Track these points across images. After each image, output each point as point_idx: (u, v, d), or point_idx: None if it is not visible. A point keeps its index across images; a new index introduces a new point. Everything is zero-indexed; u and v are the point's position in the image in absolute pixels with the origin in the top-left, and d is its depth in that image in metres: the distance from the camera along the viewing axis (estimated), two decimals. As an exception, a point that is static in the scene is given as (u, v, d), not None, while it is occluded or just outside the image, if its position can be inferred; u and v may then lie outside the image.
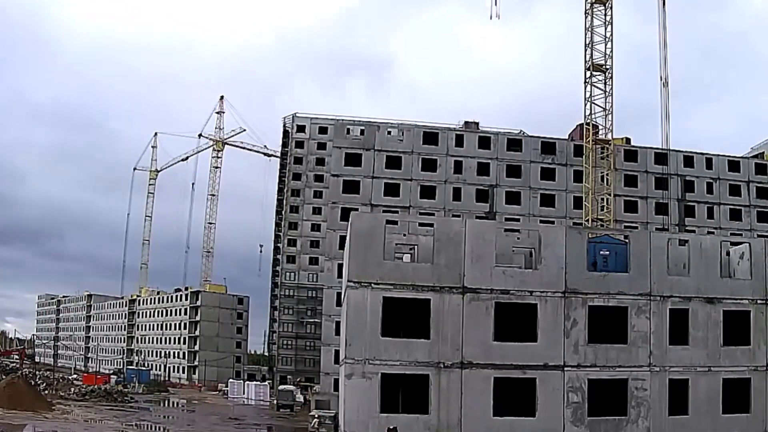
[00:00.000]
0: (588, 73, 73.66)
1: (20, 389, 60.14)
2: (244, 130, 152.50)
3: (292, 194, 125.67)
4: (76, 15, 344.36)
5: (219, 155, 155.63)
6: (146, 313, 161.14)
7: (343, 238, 48.29)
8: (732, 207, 79.75)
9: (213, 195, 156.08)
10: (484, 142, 76.62)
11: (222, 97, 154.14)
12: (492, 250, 31.70)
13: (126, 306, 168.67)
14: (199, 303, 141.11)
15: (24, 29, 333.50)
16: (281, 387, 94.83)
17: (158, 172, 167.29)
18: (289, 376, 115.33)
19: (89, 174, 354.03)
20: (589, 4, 73.99)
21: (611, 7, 73.92)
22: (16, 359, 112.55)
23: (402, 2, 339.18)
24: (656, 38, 77.82)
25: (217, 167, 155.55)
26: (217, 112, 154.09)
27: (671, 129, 77.74)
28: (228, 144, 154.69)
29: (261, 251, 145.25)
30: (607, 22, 73.78)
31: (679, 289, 32.88)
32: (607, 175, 75.55)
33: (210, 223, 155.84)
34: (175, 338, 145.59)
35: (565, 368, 31.24)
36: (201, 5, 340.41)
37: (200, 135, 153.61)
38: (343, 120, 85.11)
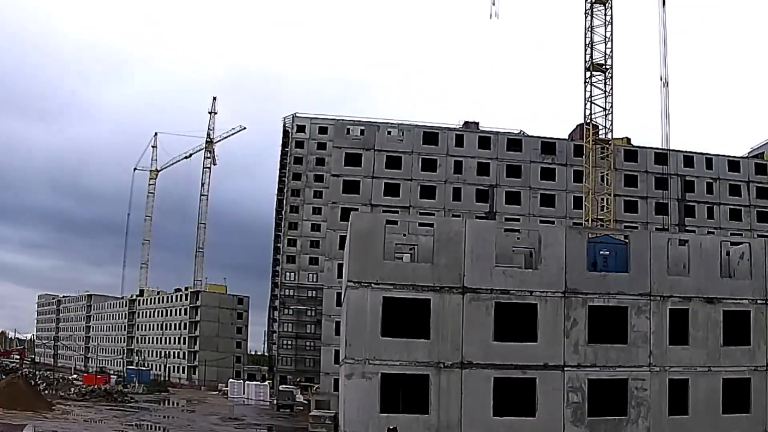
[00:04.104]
0: (588, 73, 73.77)
1: (20, 389, 60.13)
2: (245, 128, 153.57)
3: (292, 194, 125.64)
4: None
5: (209, 155, 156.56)
6: (146, 313, 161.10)
7: (343, 238, 48.26)
8: (732, 207, 79.72)
9: (205, 195, 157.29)
10: (484, 142, 76.60)
11: (215, 98, 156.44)
12: (492, 250, 31.67)
13: (126, 306, 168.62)
14: (199, 303, 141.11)
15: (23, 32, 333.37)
16: (281, 387, 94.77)
17: (158, 172, 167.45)
18: (289, 376, 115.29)
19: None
20: (589, 4, 74.09)
21: (611, 7, 74.05)
22: (17, 359, 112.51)
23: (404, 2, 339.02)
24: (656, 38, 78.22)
25: (208, 168, 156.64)
26: (209, 112, 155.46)
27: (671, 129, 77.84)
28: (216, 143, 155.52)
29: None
30: (607, 22, 73.88)
31: (679, 289, 32.84)
32: (607, 175, 75.57)
33: (202, 223, 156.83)
34: (175, 338, 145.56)
35: (565, 368, 31.21)
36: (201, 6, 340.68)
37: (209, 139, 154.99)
38: (343, 120, 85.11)
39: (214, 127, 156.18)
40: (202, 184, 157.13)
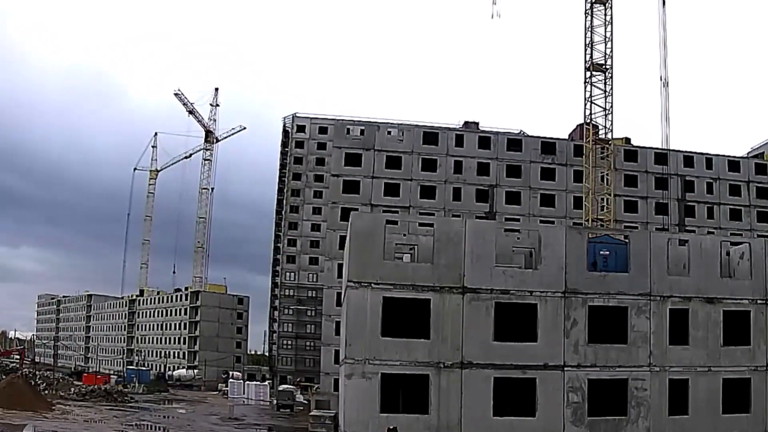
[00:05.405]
0: (588, 73, 73.75)
1: (20, 389, 60.11)
2: (245, 128, 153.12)
3: (292, 194, 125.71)
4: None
5: (209, 147, 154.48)
6: (146, 313, 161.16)
7: (343, 238, 48.24)
8: (732, 207, 79.68)
9: (206, 189, 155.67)
10: (484, 142, 76.57)
11: (217, 90, 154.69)
12: (492, 250, 31.67)
13: (126, 306, 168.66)
14: (199, 303, 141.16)
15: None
16: (281, 387, 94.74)
17: (158, 171, 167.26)
18: (289, 376, 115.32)
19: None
20: (589, 4, 74.09)
21: (611, 7, 74.05)
22: (17, 359, 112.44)
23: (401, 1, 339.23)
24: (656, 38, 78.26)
25: (208, 159, 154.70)
26: (211, 104, 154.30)
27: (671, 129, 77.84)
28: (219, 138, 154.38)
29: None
30: (607, 22, 73.87)
31: (679, 289, 32.85)
32: (607, 175, 75.54)
33: (201, 218, 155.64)
34: (175, 338, 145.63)
35: (565, 368, 31.22)
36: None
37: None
38: (343, 120, 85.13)
39: (215, 119, 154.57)
40: (203, 178, 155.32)
